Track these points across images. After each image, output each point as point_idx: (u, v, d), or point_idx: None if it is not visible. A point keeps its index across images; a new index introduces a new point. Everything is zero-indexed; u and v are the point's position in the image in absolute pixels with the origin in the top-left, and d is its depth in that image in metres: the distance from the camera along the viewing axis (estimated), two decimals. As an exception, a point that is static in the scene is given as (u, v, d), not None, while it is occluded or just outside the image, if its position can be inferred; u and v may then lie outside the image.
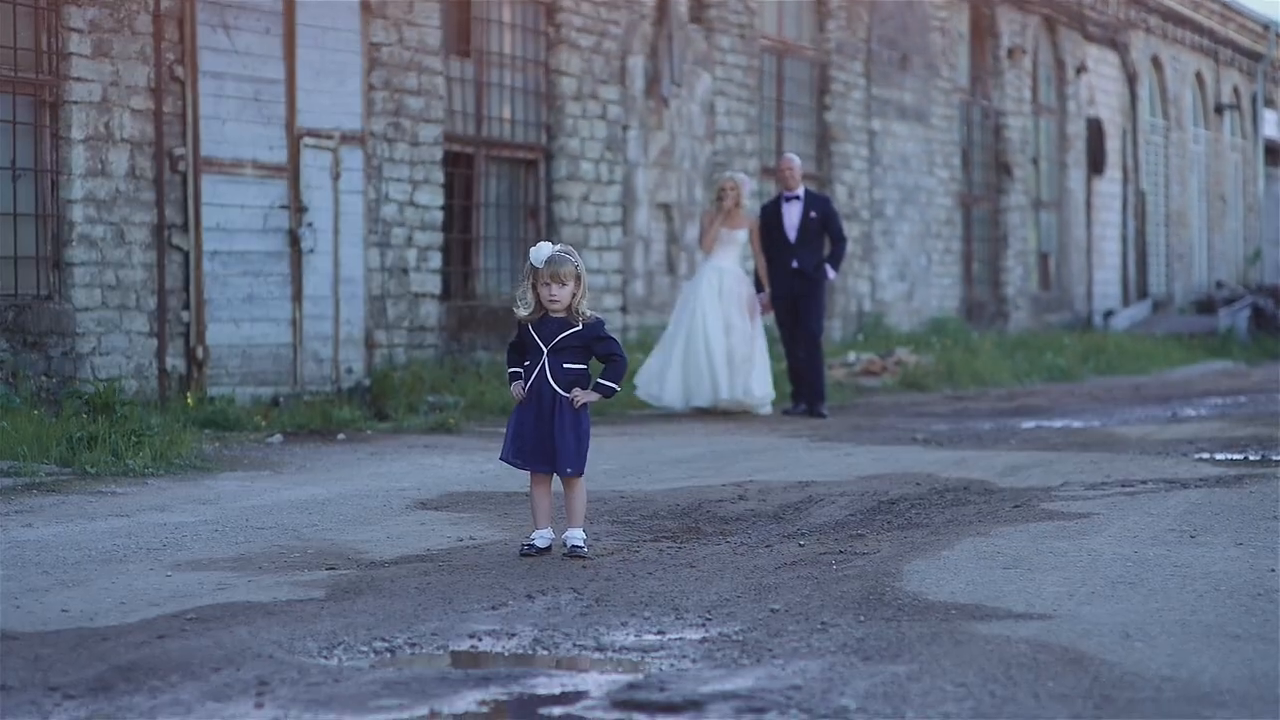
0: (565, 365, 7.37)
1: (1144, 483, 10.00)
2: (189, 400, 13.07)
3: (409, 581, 6.78)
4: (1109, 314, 29.23)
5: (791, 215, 15.43)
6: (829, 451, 12.17)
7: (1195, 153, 33.94)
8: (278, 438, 12.25)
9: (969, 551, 7.35)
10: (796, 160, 15.76)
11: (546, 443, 7.34)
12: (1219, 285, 33.72)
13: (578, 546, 7.39)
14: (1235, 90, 35.83)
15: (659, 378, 15.12)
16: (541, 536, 7.45)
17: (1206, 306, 31.36)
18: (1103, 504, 8.95)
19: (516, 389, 7.38)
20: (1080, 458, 11.51)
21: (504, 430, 7.59)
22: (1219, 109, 34.98)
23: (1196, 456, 11.50)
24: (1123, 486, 9.83)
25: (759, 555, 7.48)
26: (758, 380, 15.23)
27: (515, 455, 7.42)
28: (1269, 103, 37.87)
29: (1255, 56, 36.29)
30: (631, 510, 9.00)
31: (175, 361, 13.38)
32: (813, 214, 15.42)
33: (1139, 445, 12.37)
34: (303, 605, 6.30)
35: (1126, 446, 12.29)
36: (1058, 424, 14.60)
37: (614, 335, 7.66)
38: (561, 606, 6.32)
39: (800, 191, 15.54)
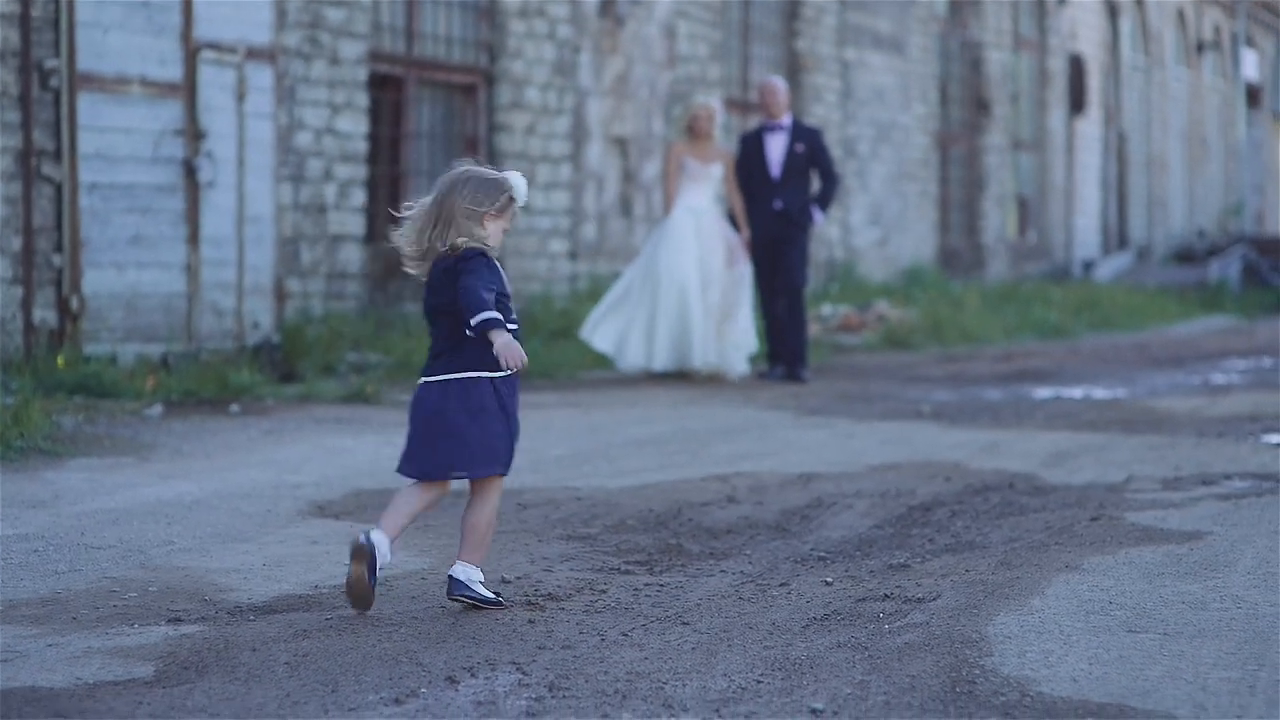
0: None
1: (1227, 478, 8.02)
2: (59, 360, 10.93)
3: (278, 650, 4.71)
4: (1089, 264, 27.31)
5: (775, 148, 13.15)
6: (824, 430, 10.12)
7: (1176, 93, 32.08)
8: (157, 409, 10.05)
9: (1068, 599, 5.29)
10: (781, 84, 13.43)
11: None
12: (1200, 234, 31.88)
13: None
14: (1216, 28, 34.03)
15: (617, 340, 12.81)
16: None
17: (1187, 256, 29.58)
18: (1204, 514, 6.91)
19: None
20: (1132, 442, 9.49)
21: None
22: (1200, 47, 33.15)
23: (1271, 440, 9.50)
24: (1206, 484, 7.84)
25: (773, 600, 5.44)
26: (741, 339, 13.00)
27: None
28: (1249, 42, 36.04)
29: (1235, -9, 34.57)
30: (591, 519, 6.96)
31: (44, 314, 11.31)
32: (799, 147, 13.18)
33: (1192, 424, 10.32)
34: (113, 697, 4.24)
35: (1178, 426, 10.26)
36: (1078, 393, 12.57)
37: None
38: (499, 697, 4.29)
39: (786, 121, 13.27)
